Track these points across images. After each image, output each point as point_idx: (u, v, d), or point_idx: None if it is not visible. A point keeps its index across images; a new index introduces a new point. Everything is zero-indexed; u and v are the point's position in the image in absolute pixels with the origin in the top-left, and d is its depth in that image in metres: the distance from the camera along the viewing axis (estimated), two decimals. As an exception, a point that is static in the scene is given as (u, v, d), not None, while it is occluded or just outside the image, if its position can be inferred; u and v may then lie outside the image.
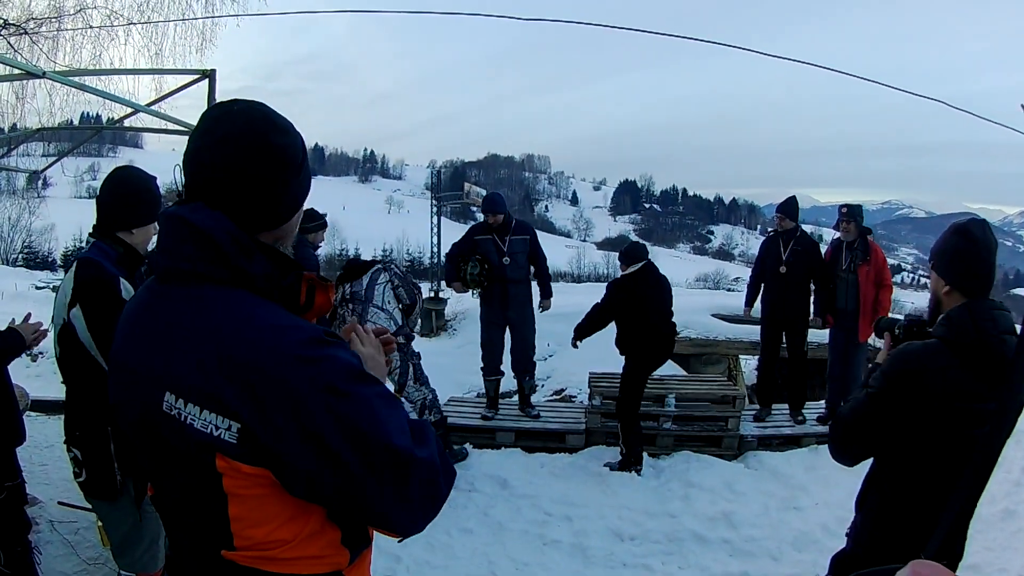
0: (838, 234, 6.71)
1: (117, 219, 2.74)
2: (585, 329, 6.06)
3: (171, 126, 6.81)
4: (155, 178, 2.88)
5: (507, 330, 6.73)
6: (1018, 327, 2.21)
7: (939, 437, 2.25)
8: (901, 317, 2.66)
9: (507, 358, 6.84)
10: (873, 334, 6.34)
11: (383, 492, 1.25)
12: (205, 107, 6.31)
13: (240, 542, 1.28)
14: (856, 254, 6.44)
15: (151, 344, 1.30)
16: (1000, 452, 1.63)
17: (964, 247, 2.37)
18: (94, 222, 2.78)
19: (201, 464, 1.24)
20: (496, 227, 6.57)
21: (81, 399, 2.68)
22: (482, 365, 6.85)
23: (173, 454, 1.28)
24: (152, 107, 6.97)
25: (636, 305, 5.81)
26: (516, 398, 7.03)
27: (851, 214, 6.57)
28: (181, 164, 1.36)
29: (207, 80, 6.41)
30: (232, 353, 1.21)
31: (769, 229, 7.23)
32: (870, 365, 2.61)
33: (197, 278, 1.28)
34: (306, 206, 1.47)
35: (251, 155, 1.29)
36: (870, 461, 2.55)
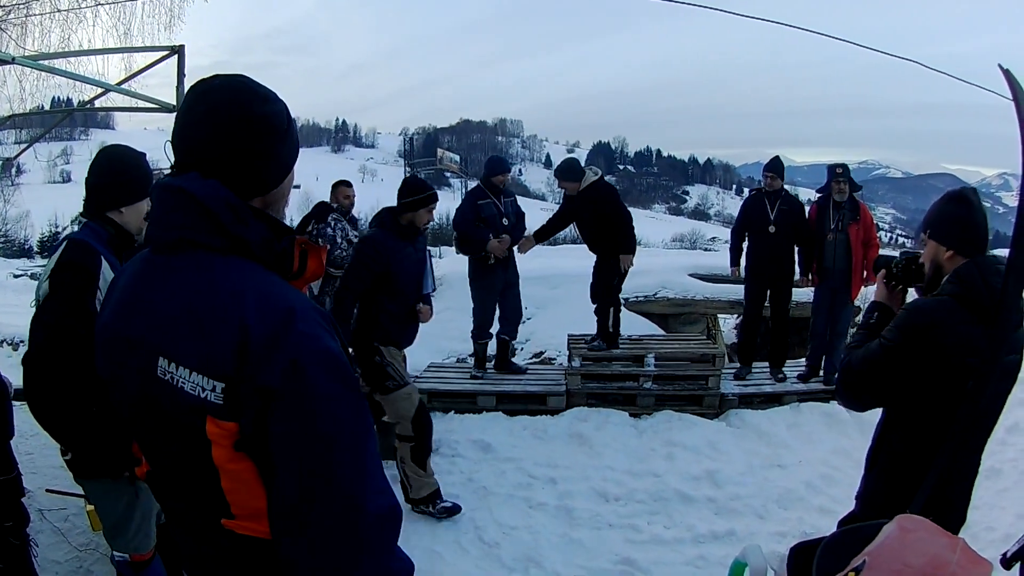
0: (815, 194, 6.73)
1: (106, 198, 2.66)
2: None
3: (142, 104, 6.67)
4: (144, 155, 2.81)
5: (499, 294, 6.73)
6: None
7: (949, 393, 2.25)
8: (897, 255, 2.70)
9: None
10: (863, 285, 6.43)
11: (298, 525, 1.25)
12: (175, 84, 6.30)
13: (238, 510, 1.29)
14: (845, 214, 6.43)
15: (147, 313, 1.32)
16: (989, 406, 1.61)
17: (963, 213, 2.44)
18: (83, 203, 2.70)
19: (192, 431, 1.25)
20: (495, 191, 6.58)
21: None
22: (473, 329, 6.83)
23: (168, 423, 1.30)
24: (122, 86, 6.82)
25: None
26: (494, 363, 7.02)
27: (846, 175, 6.55)
28: (170, 141, 1.38)
29: (176, 56, 6.29)
30: (224, 316, 1.23)
31: (751, 189, 7.21)
32: (866, 305, 2.69)
33: (193, 246, 1.30)
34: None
35: (235, 125, 1.32)
36: (879, 421, 2.59)
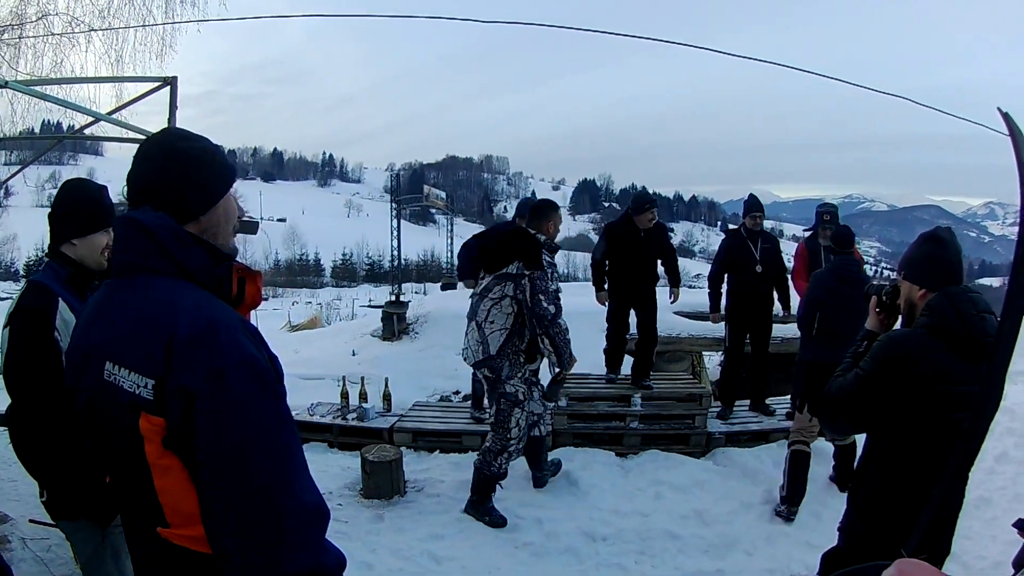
0: (801, 231, 6.73)
1: (61, 231, 2.68)
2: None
3: (131, 134, 6.66)
4: (105, 188, 2.81)
5: None
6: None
7: (924, 421, 2.32)
8: (887, 284, 2.75)
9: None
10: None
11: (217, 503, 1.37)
12: (167, 113, 6.25)
13: (171, 517, 1.41)
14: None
15: (101, 326, 1.50)
16: (980, 444, 1.62)
17: (935, 252, 2.50)
18: (49, 236, 2.73)
19: (130, 428, 1.39)
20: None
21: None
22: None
23: (112, 422, 1.44)
24: (113, 115, 6.81)
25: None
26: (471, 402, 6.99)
27: (834, 221, 6.53)
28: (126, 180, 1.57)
29: (169, 88, 6.28)
30: (158, 322, 1.39)
31: (731, 226, 7.22)
32: (859, 335, 2.72)
33: (144, 270, 1.47)
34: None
35: (160, 159, 1.53)
36: (860, 453, 2.65)
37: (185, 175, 1.53)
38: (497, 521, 4.92)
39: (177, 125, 5.95)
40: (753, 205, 6.82)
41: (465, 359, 5.14)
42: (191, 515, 1.39)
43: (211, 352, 1.35)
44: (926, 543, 2.07)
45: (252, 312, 1.63)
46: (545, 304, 4.77)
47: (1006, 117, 1.18)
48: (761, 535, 4.78)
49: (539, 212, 5.16)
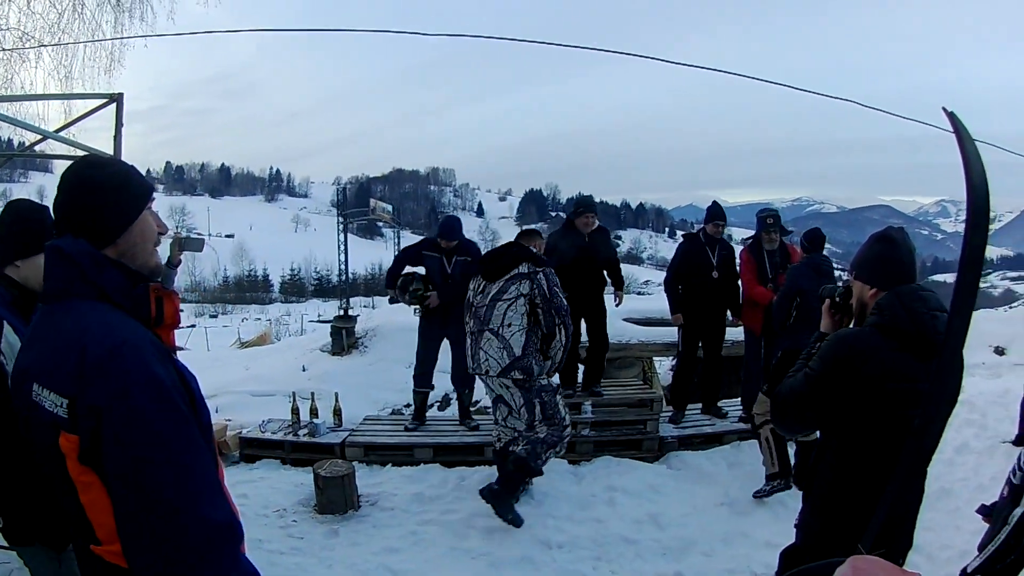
0: (749, 234, 6.81)
1: (5, 252, 2.61)
2: None
3: (78, 153, 6.55)
4: (47, 208, 2.73)
5: (442, 343, 6.74)
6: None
7: (875, 419, 2.34)
8: (840, 286, 2.79)
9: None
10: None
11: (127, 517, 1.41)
12: (113, 130, 6.14)
13: (101, 532, 1.46)
14: (776, 263, 6.51)
15: (32, 350, 1.58)
16: (935, 442, 1.65)
17: (885, 252, 2.52)
18: None
19: (54, 446, 1.45)
20: (439, 248, 6.59)
21: None
22: (415, 373, 6.83)
23: (41, 441, 1.51)
24: (61, 132, 6.69)
25: None
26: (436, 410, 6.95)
27: (776, 224, 6.64)
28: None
29: (115, 104, 6.17)
30: (72, 344, 1.45)
31: (685, 232, 7.30)
32: (812, 337, 2.74)
33: (68, 295, 1.55)
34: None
35: (73, 188, 1.61)
36: (813, 451, 2.67)
37: (97, 202, 1.60)
38: (516, 520, 4.92)
39: (123, 141, 5.87)
40: (716, 213, 6.87)
41: (485, 372, 5.14)
42: (115, 529, 1.44)
43: (116, 371, 1.41)
44: (883, 539, 2.10)
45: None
46: (561, 296, 5.02)
47: (951, 116, 1.21)
48: (718, 536, 4.81)
49: (527, 235, 5.49)
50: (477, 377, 5.50)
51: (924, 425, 1.59)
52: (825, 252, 6.03)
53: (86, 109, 6.70)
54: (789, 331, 5.56)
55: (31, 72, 9.46)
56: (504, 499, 4.96)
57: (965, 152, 1.13)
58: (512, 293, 5.00)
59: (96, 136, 6.55)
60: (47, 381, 1.48)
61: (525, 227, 5.99)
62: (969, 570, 2.09)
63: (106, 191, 1.62)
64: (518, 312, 4.98)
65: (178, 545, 1.39)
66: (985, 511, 4.16)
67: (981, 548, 2.76)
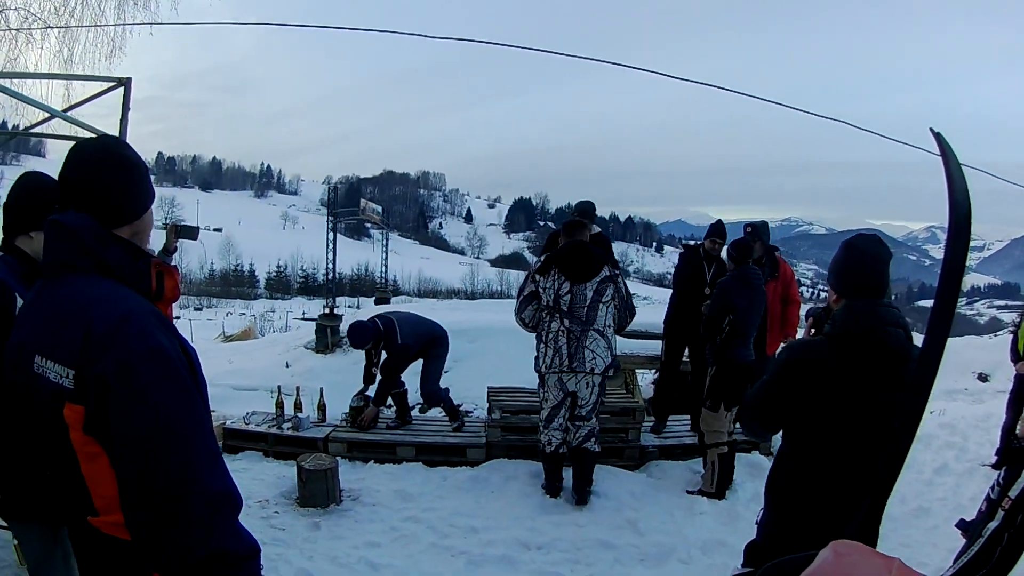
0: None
1: (20, 221, 2.64)
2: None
3: (84, 133, 6.52)
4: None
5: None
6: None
7: (824, 425, 2.44)
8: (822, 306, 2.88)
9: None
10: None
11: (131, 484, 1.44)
12: (114, 115, 6.14)
13: (99, 503, 1.50)
14: (764, 270, 6.52)
15: (31, 324, 1.60)
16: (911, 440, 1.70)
17: (849, 259, 2.59)
18: (1, 229, 2.69)
19: (57, 417, 1.49)
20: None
21: None
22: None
23: (41, 412, 1.54)
24: (67, 113, 6.67)
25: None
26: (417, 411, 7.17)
27: (756, 233, 6.70)
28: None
29: (123, 88, 6.16)
30: (77, 316, 1.49)
31: (684, 244, 7.34)
32: None
33: (69, 269, 1.57)
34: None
35: (103, 163, 1.62)
36: (775, 455, 2.77)
37: (127, 181, 1.64)
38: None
39: (128, 127, 5.88)
40: (717, 231, 6.93)
41: (589, 370, 5.33)
42: (115, 500, 1.47)
43: (122, 342, 1.45)
44: (860, 531, 2.15)
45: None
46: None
47: (938, 137, 1.24)
48: (696, 544, 4.84)
49: (578, 227, 5.73)
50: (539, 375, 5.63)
51: (893, 454, 1.64)
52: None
53: (87, 93, 6.69)
54: (725, 346, 5.63)
55: (36, 53, 9.54)
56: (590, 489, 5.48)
57: (949, 170, 1.18)
58: (609, 295, 5.34)
59: (93, 121, 6.56)
60: (51, 353, 1.50)
61: (569, 219, 6.12)
62: None
63: (140, 170, 1.68)
64: (610, 312, 5.33)
65: (180, 512, 1.41)
66: (964, 526, 4.25)
67: (956, 560, 2.84)
